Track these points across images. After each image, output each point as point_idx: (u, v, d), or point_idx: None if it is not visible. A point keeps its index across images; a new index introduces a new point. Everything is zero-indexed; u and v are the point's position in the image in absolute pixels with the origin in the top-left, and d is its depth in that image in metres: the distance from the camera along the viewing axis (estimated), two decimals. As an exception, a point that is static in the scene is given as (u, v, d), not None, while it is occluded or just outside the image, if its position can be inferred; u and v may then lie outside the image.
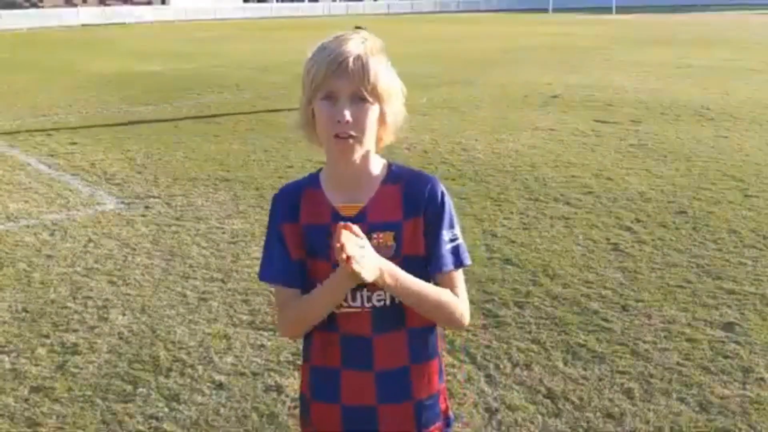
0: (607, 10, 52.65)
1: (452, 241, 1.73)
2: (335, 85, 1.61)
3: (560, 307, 4.52)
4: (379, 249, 1.66)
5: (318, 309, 1.71)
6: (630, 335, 4.15)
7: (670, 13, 51.33)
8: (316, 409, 1.81)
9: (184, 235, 6.04)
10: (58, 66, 20.53)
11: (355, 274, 1.54)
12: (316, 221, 1.72)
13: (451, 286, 1.74)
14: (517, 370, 3.80)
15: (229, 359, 3.98)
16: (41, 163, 8.77)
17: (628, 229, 5.96)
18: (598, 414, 3.41)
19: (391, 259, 1.67)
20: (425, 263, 1.72)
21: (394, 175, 1.74)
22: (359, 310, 1.71)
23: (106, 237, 6.03)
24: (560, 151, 8.89)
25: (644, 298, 4.64)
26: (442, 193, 1.73)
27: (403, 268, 1.67)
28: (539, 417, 3.41)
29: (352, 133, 1.62)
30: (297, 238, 1.73)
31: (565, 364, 3.86)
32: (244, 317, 4.49)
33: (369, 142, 1.67)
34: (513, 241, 5.65)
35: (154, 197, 7.17)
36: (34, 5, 50.41)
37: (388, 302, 1.71)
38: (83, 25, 44.69)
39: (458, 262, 1.74)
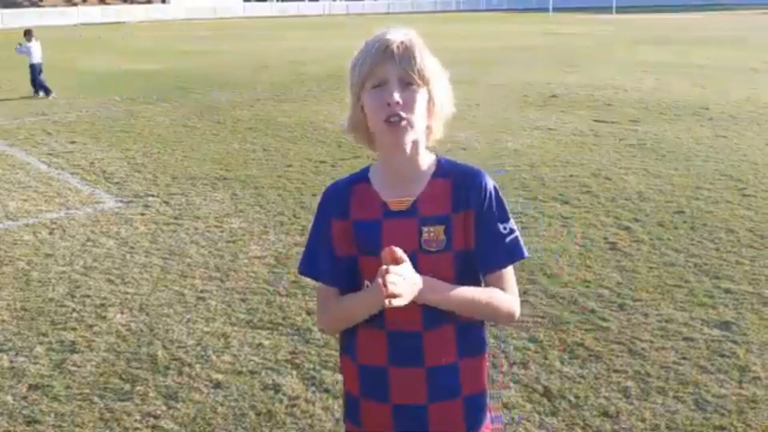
0: (607, 10, 52.65)
1: (510, 233, 1.70)
2: (383, 70, 1.61)
3: (557, 306, 4.53)
4: (430, 243, 1.64)
5: (353, 317, 1.71)
6: (627, 334, 4.16)
7: (670, 13, 51.30)
8: (366, 408, 1.76)
9: (183, 234, 6.04)
10: (57, 65, 20.53)
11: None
12: (366, 216, 1.69)
13: (501, 281, 1.70)
14: (515, 369, 3.81)
15: (227, 358, 3.99)
16: (41, 162, 8.78)
17: (626, 228, 5.96)
18: (595, 412, 3.42)
19: (442, 253, 1.65)
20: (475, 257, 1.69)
21: (444, 168, 1.72)
22: (409, 305, 1.66)
23: (104, 236, 6.04)
24: (559, 150, 8.89)
25: (642, 297, 4.65)
26: (493, 186, 1.71)
27: (455, 263, 1.66)
28: (536, 415, 3.41)
29: (403, 114, 1.61)
30: (346, 234, 1.71)
31: (562, 362, 3.87)
32: (242, 316, 4.50)
33: (420, 127, 1.65)
34: (511, 241, 5.65)
35: (152, 196, 7.18)
36: (35, 4, 50.39)
37: None
38: (83, 24, 44.68)
39: (516, 256, 1.71)
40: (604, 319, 4.35)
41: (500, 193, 1.71)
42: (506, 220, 1.70)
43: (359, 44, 1.68)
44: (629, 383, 3.65)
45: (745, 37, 27.48)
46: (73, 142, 9.85)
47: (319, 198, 1.80)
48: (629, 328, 4.23)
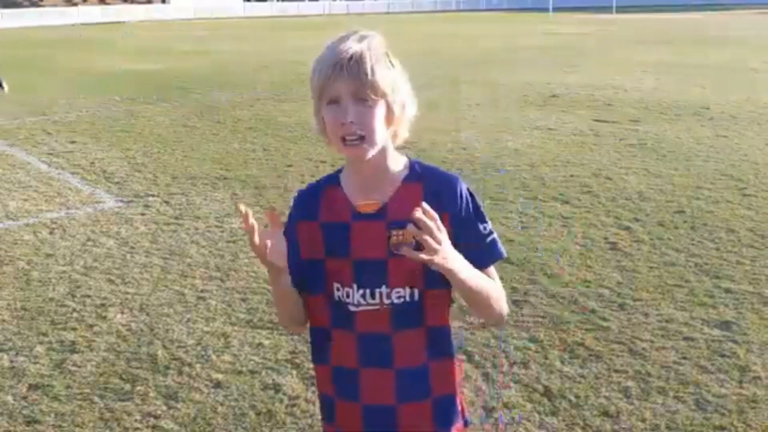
0: (607, 10, 52.68)
1: (489, 235, 1.70)
2: (336, 88, 1.58)
3: (558, 306, 4.53)
4: (399, 246, 1.64)
5: (280, 296, 1.70)
6: (627, 334, 4.16)
7: (670, 13, 51.34)
8: (339, 407, 1.79)
9: (183, 233, 6.04)
10: (58, 65, 20.55)
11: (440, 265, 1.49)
12: (335, 219, 1.70)
13: None
14: (515, 369, 3.81)
15: (227, 357, 3.99)
16: (41, 162, 8.78)
17: (627, 228, 5.96)
18: (595, 412, 3.42)
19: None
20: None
21: (416, 173, 1.71)
22: (378, 308, 1.68)
23: (105, 235, 6.04)
24: (559, 150, 8.89)
25: (642, 297, 4.65)
26: (468, 190, 1.71)
27: (424, 265, 1.63)
28: (536, 415, 3.41)
29: (360, 132, 1.59)
30: (314, 236, 1.71)
31: (563, 362, 3.87)
32: (242, 316, 4.50)
33: (381, 139, 1.64)
34: (511, 240, 5.65)
35: (153, 196, 7.18)
36: (35, 4, 50.41)
37: (407, 299, 1.68)
38: (83, 24, 44.70)
39: (496, 256, 1.71)
40: (604, 319, 4.35)
41: (476, 196, 1.72)
42: (485, 221, 1.71)
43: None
44: (629, 383, 3.65)
45: (745, 37, 27.48)
46: (73, 142, 9.85)
47: (290, 202, 1.79)
48: (629, 328, 4.23)
